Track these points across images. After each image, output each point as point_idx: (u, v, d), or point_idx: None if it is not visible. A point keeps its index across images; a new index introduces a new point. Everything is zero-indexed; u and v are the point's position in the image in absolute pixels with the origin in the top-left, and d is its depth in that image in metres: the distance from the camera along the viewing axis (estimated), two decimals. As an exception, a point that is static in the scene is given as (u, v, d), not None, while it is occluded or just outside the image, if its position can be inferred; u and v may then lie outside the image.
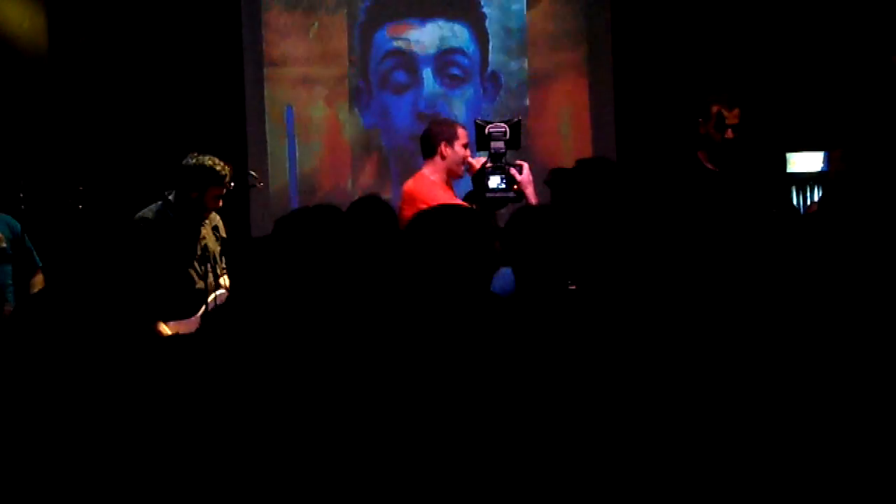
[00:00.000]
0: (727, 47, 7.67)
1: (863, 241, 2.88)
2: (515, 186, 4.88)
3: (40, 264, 5.82)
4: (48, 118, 7.43)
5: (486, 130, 4.90)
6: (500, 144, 4.87)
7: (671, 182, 5.21)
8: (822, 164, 7.13)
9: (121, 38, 7.68)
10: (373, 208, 3.92)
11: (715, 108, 5.10)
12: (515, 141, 4.95)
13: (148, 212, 5.44)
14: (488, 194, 4.87)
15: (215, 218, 5.59)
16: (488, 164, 4.89)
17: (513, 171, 4.81)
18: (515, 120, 5.07)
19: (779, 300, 2.69)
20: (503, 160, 4.88)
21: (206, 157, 5.35)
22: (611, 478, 2.33)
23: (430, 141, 5.34)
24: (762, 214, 4.86)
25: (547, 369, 2.48)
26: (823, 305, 2.65)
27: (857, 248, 2.82)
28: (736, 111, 5.10)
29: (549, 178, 4.39)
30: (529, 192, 4.78)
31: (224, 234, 5.58)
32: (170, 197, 5.43)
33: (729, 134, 5.08)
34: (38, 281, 5.76)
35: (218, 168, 5.33)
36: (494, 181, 4.81)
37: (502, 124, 4.93)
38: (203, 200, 5.37)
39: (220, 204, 5.43)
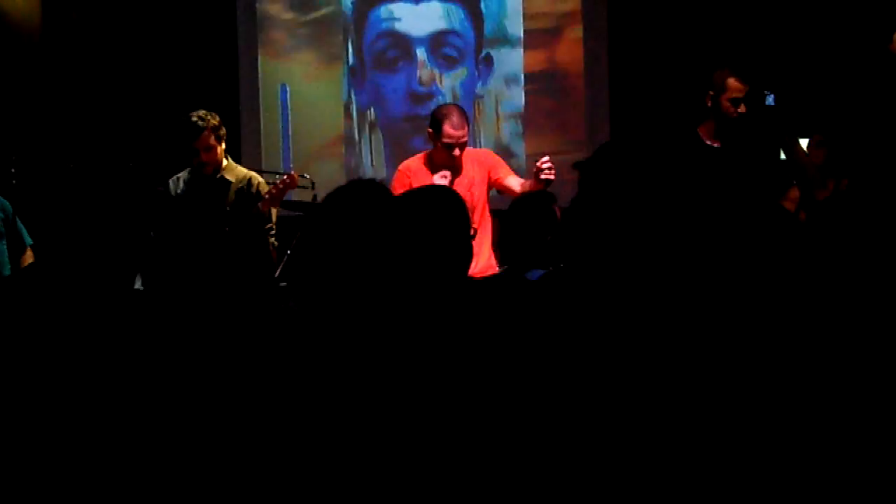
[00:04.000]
0: (714, 37, 7.64)
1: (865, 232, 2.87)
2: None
3: (30, 243, 5.86)
4: (42, 96, 7.42)
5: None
6: None
7: (669, 163, 5.17)
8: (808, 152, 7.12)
9: (114, 15, 7.67)
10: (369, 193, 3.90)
11: (731, 81, 5.01)
12: None
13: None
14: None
15: (246, 176, 5.59)
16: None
17: None
18: None
19: (780, 295, 2.68)
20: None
21: (206, 112, 5.48)
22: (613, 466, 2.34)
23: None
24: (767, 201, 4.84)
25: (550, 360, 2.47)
26: (824, 299, 2.65)
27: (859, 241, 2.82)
28: (746, 87, 5.04)
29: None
30: None
31: (259, 190, 5.56)
32: None
33: (742, 108, 5.00)
34: (28, 258, 5.81)
35: (193, 119, 5.40)
36: None
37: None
38: (194, 153, 5.46)
39: (209, 155, 5.45)
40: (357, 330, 2.53)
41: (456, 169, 5.32)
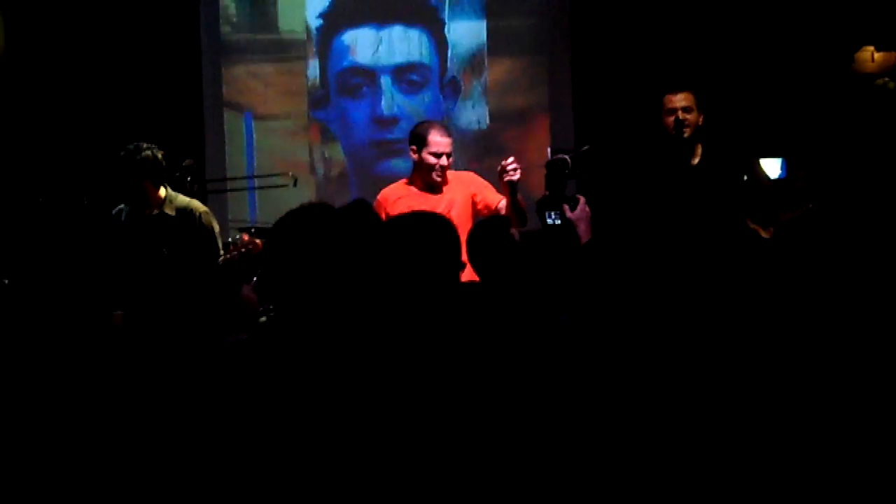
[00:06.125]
0: (687, 51, 7.69)
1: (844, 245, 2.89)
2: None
3: None
4: (4, 117, 7.37)
5: (547, 161, 4.69)
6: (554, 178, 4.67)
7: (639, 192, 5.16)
8: (779, 171, 7.17)
9: (77, 37, 7.64)
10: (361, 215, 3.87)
11: (665, 97, 5.06)
12: (582, 170, 4.70)
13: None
14: (545, 228, 4.53)
15: (186, 206, 5.57)
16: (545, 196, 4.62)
17: (566, 205, 4.50)
18: (583, 149, 4.89)
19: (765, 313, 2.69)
20: (560, 193, 4.58)
21: (145, 147, 5.39)
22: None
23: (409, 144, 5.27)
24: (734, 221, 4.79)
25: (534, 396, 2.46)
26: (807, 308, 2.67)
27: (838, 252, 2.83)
28: (682, 95, 5.04)
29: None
30: (581, 229, 4.42)
31: (202, 221, 5.54)
32: None
33: (670, 121, 5.01)
34: None
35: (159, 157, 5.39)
36: (548, 216, 4.49)
37: (563, 155, 4.69)
38: (141, 188, 5.42)
39: (159, 193, 5.45)
40: (336, 344, 2.51)
41: (435, 192, 5.23)
